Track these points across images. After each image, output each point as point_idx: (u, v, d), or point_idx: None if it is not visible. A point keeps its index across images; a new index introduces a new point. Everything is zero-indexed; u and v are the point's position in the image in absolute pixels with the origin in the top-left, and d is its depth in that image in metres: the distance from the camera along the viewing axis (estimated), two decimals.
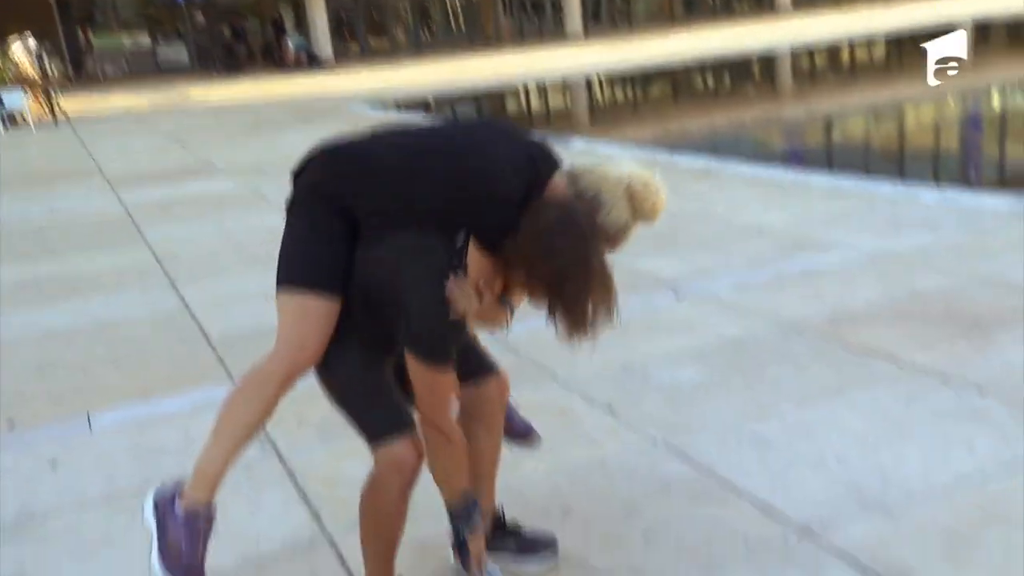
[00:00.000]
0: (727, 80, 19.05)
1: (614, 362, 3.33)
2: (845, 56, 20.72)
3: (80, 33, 29.19)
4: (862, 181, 6.10)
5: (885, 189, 5.79)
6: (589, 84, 19.29)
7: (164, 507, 1.75)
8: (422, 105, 15.11)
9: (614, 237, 1.73)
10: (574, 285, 1.60)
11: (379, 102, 14.88)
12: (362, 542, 1.87)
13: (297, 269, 1.75)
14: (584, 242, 1.62)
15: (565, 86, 19.32)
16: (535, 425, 2.28)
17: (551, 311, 1.64)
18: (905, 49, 19.08)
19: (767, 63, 20.38)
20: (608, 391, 3.11)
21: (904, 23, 22.44)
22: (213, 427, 1.76)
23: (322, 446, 2.85)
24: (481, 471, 1.98)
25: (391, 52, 32.23)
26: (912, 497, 2.27)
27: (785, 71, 19.23)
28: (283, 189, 1.91)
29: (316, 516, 2.45)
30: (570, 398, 3.11)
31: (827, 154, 9.15)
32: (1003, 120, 10.08)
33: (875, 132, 10.61)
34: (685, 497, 2.37)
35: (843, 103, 13.08)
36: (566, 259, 1.60)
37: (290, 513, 2.48)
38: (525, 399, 2.37)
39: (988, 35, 20.28)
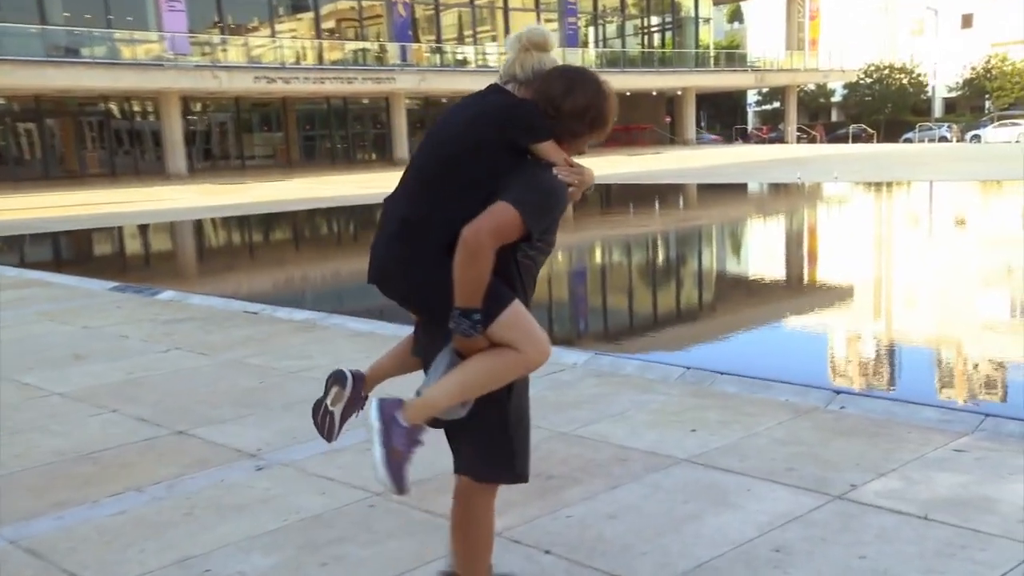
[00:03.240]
0: (344, 228, 19.82)
1: (169, 557, 3.09)
2: None
3: None
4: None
5: None
6: (176, 228, 18.84)
7: (389, 416, 2.23)
8: None
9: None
10: (586, 100, 2.32)
11: None
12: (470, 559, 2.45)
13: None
14: (568, 78, 2.33)
15: (158, 229, 18.69)
16: None
17: (585, 136, 2.38)
18: None
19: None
20: None
21: None
22: (456, 372, 2.25)
23: None
24: None
25: None
26: None
27: None
28: None
29: None
30: None
31: None
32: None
33: None
34: None
35: None
36: (572, 95, 2.31)
37: None
38: None
39: None
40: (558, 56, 2.43)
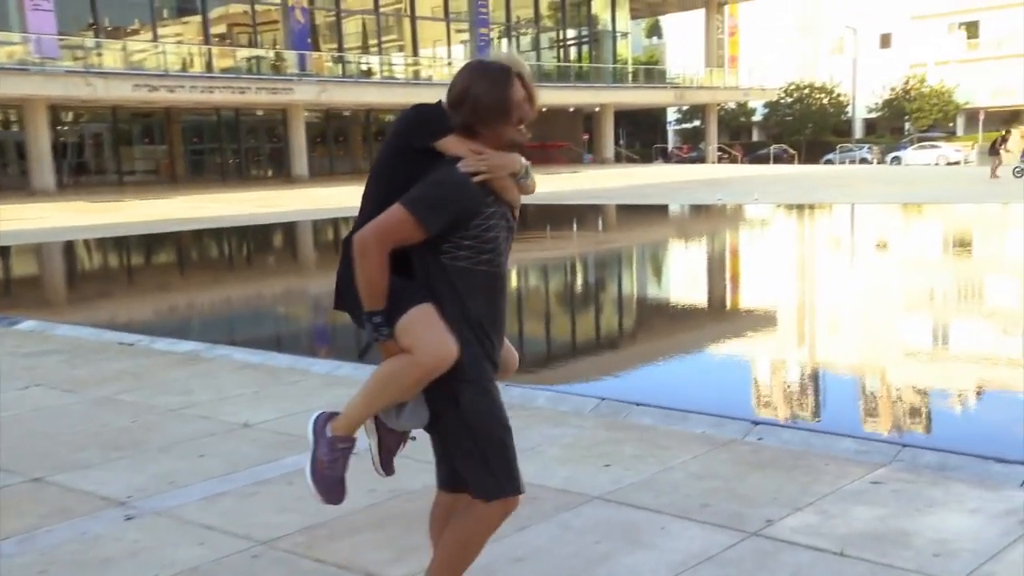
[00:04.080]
0: (236, 251, 19.44)
1: None
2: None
3: None
4: (360, 367, 6.49)
5: None
6: (41, 250, 18.20)
7: (319, 429, 2.51)
8: None
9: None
10: (462, 85, 2.39)
11: None
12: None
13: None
14: (461, 69, 2.45)
15: (19, 251, 18.00)
16: None
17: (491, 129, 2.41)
18: None
19: (287, 231, 21.37)
20: None
21: None
22: (365, 384, 2.47)
23: None
24: None
25: None
26: None
27: (306, 240, 20.29)
28: None
29: None
30: None
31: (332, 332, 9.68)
32: None
33: None
34: None
35: None
36: (453, 86, 2.42)
37: None
38: None
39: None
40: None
